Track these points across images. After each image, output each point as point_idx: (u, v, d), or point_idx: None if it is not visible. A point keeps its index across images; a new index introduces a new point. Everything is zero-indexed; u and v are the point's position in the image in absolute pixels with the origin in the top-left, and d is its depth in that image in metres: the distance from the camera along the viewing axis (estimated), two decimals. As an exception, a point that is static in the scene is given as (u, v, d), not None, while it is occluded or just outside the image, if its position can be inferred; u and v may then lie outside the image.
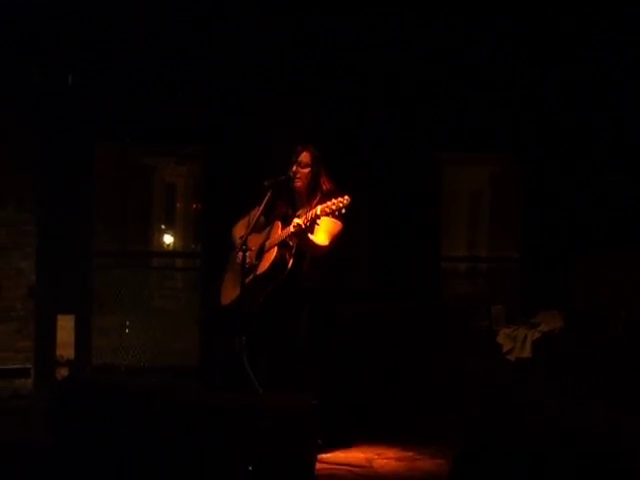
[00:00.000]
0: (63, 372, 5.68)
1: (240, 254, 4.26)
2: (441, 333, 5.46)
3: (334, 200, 3.99)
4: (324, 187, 4.43)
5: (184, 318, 6.31)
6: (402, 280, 5.87)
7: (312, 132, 5.47)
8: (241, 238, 4.38)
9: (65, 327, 5.77)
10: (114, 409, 3.42)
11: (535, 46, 5.84)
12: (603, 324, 5.11)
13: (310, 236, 4.16)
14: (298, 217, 4.21)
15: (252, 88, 5.91)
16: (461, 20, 5.81)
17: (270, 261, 4.31)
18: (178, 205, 7.54)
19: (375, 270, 5.97)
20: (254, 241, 4.44)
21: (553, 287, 5.79)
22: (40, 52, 5.74)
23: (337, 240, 4.33)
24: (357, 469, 4.12)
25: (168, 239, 7.61)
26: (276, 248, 4.32)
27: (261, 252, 4.39)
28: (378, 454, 4.43)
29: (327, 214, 4.01)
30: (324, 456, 4.16)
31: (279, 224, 4.42)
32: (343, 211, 3.99)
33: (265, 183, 4.38)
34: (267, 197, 4.36)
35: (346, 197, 3.98)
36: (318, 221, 4.08)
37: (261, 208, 4.38)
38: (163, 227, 7.53)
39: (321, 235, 4.24)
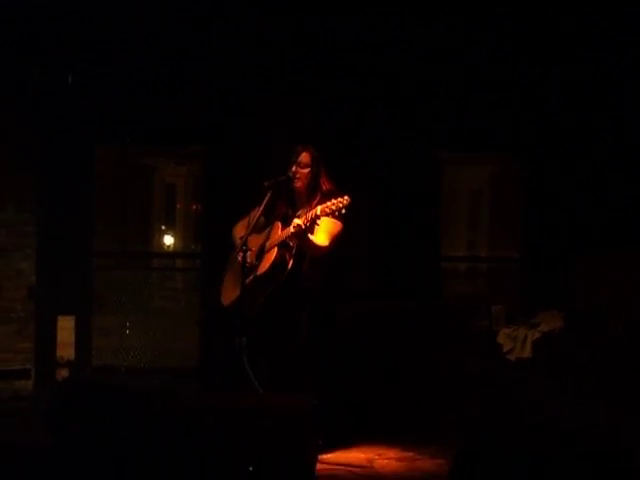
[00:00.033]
0: (63, 373, 5.67)
1: (240, 255, 4.26)
2: (441, 333, 5.46)
3: (334, 200, 3.99)
4: (324, 187, 4.43)
5: (184, 319, 6.32)
6: (402, 280, 5.87)
7: (312, 132, 5.47)
8: (241, 239, 4.38)
9: (65, 328, 5.76)
10: (114, 410, 3.42)
11: (535, 46, 5.84)
12: (603, 324, 5.11)
13: (310, 236, 4.15)
14: (298, 217, 4.21)
15: (252, 88, 5.91)
16: (461, 20, 5.80)
17: (270, 261, 4.31)
18: (178, 206, 7.55)
19: (375, 270, 5.97)
20: (254, 241, 4.44)
21: (553, 287, 5.79)
22: (40, 52, 5.74)
23: (337, 240, 4.33)
24: (357, 469, 4.12)
25: (168, 240, 7.61)
26: (276, 249, 4.32)
27: (261, 252, 4.39)
28: (378, 454, 4.44)
29: (327, 214, 4.01)
30: (324, 456, 4.16)
31: (279, 224, 4.42)
32: (343, 211, 3.99)
33: (265, 183, 4.38)
34: (267, 197, 4.36)
35: (346, 197, 3.98)
36: (318, 221, 4.07)
37: (261, 208, 4.38)
38: (163, 228, 7.54)
39: (321, 235, 4.24)
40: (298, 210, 4.47)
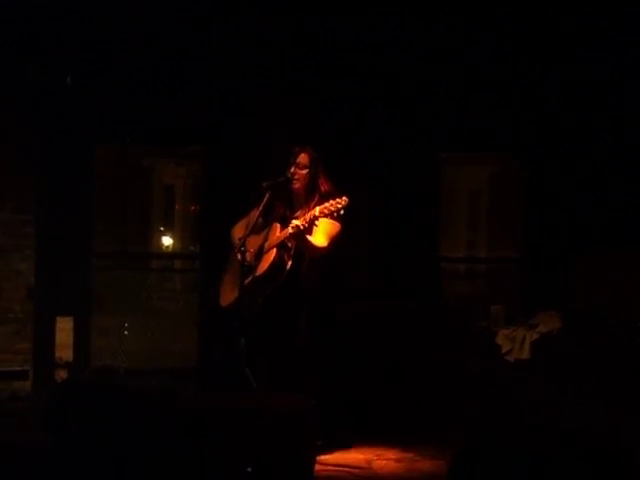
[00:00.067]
0: (62, 374, 5.68)
1: (239, 255, 4.26)
2: (440, 333, 5.45)
3: (332, 201, 3.99)
4: (322, 188, 4.43)
5: (183, 319, 6.31)
6: (401, 280, 5.86)
7: (312, 132, 5.45)
8: (240, 239, 4.38)
9: (64, 329, 5.76)
10: (113, 411, 3.42)
11: (535, 46, 5.82)
12: (602, 324, 5.11)
13: (309, 237, 4.15)
14: (296, 218, 4.21)
15: (252, 88, 5.91)
16: (461, 20, 5.79)
17: (269, 262, 4.31)
18: (177, 206, 7.53)
19: (375, 270, 5.97)
20: (253, 242, 4.44)
21: (552, 287, 5.78)
22: (40, 52, 5.74)
23: (336, 241, 4.32)
24: (356, 470, 4.11)
25: (167, 240, 7.60)
26: (275, 249, 4.32)
27: (260, 253, 4.39)
28: (377, 455, 4.43)
29: (325, 215, 4.02)
30: (323, 457, 4.15)
31: (278, 225, 4.41)
32: (341, 212, 3.99)
33: (263, 184, 4.38)
34: (266, 198, 4.36)
35: (344, 198, 3.98)
36: (316, 222, 4.07)
37: (260, 209, 4.38)
38: (162, 229, 7.53)
39: (319, 236, 4.24)
40: (297, 211, 4.46)
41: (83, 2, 5.72)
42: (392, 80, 5.94)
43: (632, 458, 2.69)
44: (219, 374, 4.92)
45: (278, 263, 4.31)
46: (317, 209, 4.02)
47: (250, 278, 4.31)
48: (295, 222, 4.12)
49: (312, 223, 4.06)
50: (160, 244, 7.47)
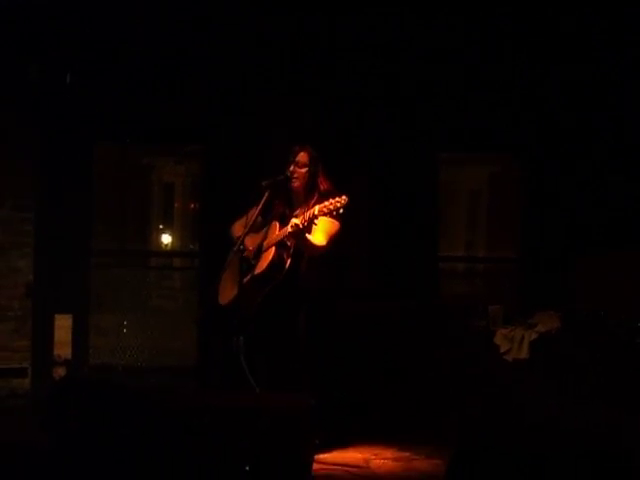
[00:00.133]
0: (60, 372, 5.68)
1: (238, 254, 4.26)
2: (439, 333, 5.45)
3: (332, 200, 3.99)
4: (322, 187, 4.43)
5: (182, 318, 6.31)
6: (401, 280, 5.86)
7: (312, 132, 5.46)
8: (239, 238, 4.38)
9: (63, 326, 5.76)
10: (112, 409, 3.41)
11: (535, 46, 5.82)
12: (602, 324, 5.10)
13: (308, 236, 4.15)
14: (296, 217, 4.21)
15: (252, 88, 5.90)
16: (461, 20, 5.79)
17: (268, 261, 4.31)
18: (176, 205, 7.55)
19: (374, 270, 5.96)
20: (252, 241, 4.44)
21: (552, 287, 5.77)
22: (39, 52, 5.74)
23: (335, 240, 4.33)
24: (354, 469, 4.12)
25: (166, 239, 7.61)
26: (274, 248, 4.32)
27: (259, 252, 4.38)
28: (375, 454, 4.43)
29: (325, 214, 4.01)
30: (321, 456, 4.16)
31: (277, 224, 4.41)
32: (341, 211, 3.98)
33: (263, 183, 4.38)
34: (265, 197, 4.36)
35: (344, 197, 3.98)
36: (316, 221, 4.06)
37: (259, 208, 4.37)
38: (161, 227, 7.54)
39: (319, 235, 4.24)
40: (296, 210, 4.46)
41: (83, 2, 5.71)
42: (392, 80, 5.93)
43: (632, 458, 2.68)
44: (218, 372, 4.90)
45: (277, 262, 4.31)
46: (316, 208, 4.02)
47: (249, 276, 4.31)
48: (294, 221, 4.12)
49: (311, 222, 4.05)
50: (159, 242, 7.48)
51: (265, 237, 4.40)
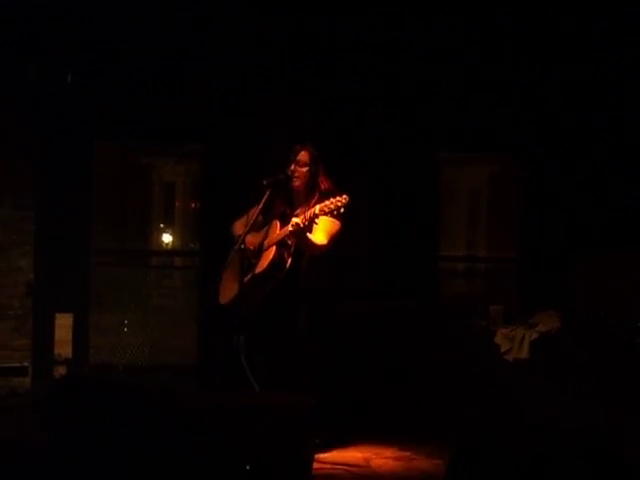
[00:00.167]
0: (61, 370, 5.68)
1: (238, 253, 4.26)
2: (440, 333, 5.45)
3: (332, 199, 3.99)
4: (322, 186, 4.43)
5: (182, 317, 6.30)
6: (401, 280, 5.87)
7: (312, 132, 5.45)
8: (239, 237, 4.38)
9: (63, 325, 5.76)
10: (112, 408, 3.41)
11: (535, 46, 5.84)
12: (602, 324, 5.11)
13: (309, 235, 4.15)
14: (296, 216, 4.20)
15: (252, 88, 5.91)
16: (461, 20, 5.80)
17: (269, 260, 4.30)
18: (177, 204, 7.54)
19: (375, 270, 5.97)
20: (252, 240, 4.43)
21: (552, 287, 5.78)
22: (39, 51, 5.73)
23: (336, 239, 4.32)
24: (354, 469, 4.12)
25: (167, 238, 7.61)
26: (275, 247, 4.31)
27: (260, 251, 4.38)
28: (376, 454, 4.43)
29: (326, 213, 4.01)
30: (322, 456, 4.16)
31: (277, 223, 4.41)
32: (342, 210, 3.98)
33: (264, 182, 4.37)
34: (266, 196, 4.35)
35: (344, 196, 3.98)
36: (317, 220, 4.06)
37: (260, 207, 4.36)
38: (162, 226, 7.53)
39: (319, 234, 4.24)
40: (297, 209, 4.46)
41: (83, 2, 5.71)
42: (392, 80, 5.94)
43: (632, 458, 2.69)
44: (218, 372, 4.91)
45: (278, 261, 4.31)
46: (317, 207, 4.01)
47: (250, 276, 4.31)
48: (295, 220, 4.11)
49: (312, 221, 4.05)
50: (160, 241, 7.48)
51: (266, 236, 4.40)
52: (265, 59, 5.88)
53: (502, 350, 5.30)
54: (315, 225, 4.12)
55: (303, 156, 4.46)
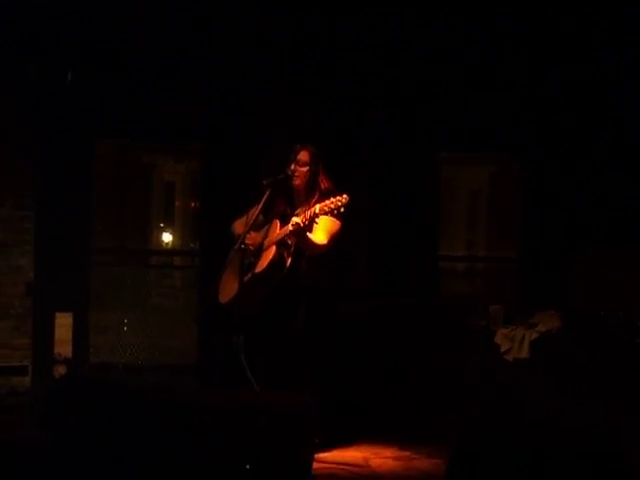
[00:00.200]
0: (61, 370, 5.68)
1: (238, 252, 4.26)
2: (440, 332, 5.45)
3: (333, 199, 3.99)
4: (322, 186, 4.43)
5: (182, 316, 6.30)
6: (401, 279, 5.86)
7: (312, 132, 5.45)
8: (239, 236, 4.38)
9: (63, 325, 5.76)
10: (111, 407, 3.41)
11: (535, 46, 5.83)
12: (602, 324, 5.10)
13: (309, 235, 4.15)
14: (297, 216, 4.21)
15: (252, 88, 5.90)
16: (461, 20, 5.80)
17: (269, 260, 4.30)
18: (177, 203, 7.55)
19: (374, 269, 5.96)
20: (253, 239, 4.43)
21: (551, 287, 5.78)
22: (39, 51, 5.73)
23: (336, 239, 4.33)
24: (354, 468, 4.12)
25: (167, 237, 7.62)
26: (275, 247, 4.31)
27: (260, 251, 4.38)
28: (375, 453, 4.43)
29: (326, 213, 4.01)
30: (321, 455, 4.15)
31: (277, 223, 4.41)
32: (342, 210, 3.98)
33: (264, 182, 4.38)
34: (266, 196, 4.35)
35: (345, 196, 3.98)
36: (317, 220, 4.07)
37: (260, 207, 4.37)
38: (162, 225, 7.54)
39: (320, 234, 4.24)
40: (297, 208, 4.46)
41: (83, 2, 5.71)
42: (392, 80, 5.94)
43: (632, 458, 2.68)
44: (218, 371, 4.91)
45: (278, 260, 4.31)
46: (317, 206, 4.02)
47: (250, 275, 4.31)
48: (295, 219, 4.12)
49: (312, 220, 4.05)
50: (160, 241, 7.49)
51: (266, 236, 4.40)
52: (265, 59, 5.87)
53: (502, 350, 5.30)
54: (315, 225, 4.12)
55: (303, 155, 4.46)
